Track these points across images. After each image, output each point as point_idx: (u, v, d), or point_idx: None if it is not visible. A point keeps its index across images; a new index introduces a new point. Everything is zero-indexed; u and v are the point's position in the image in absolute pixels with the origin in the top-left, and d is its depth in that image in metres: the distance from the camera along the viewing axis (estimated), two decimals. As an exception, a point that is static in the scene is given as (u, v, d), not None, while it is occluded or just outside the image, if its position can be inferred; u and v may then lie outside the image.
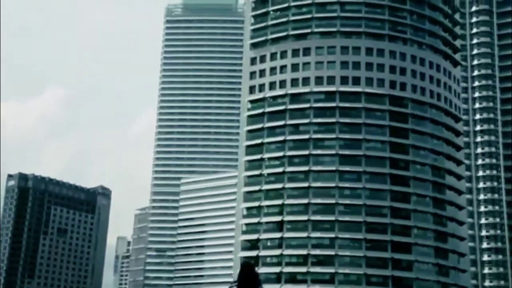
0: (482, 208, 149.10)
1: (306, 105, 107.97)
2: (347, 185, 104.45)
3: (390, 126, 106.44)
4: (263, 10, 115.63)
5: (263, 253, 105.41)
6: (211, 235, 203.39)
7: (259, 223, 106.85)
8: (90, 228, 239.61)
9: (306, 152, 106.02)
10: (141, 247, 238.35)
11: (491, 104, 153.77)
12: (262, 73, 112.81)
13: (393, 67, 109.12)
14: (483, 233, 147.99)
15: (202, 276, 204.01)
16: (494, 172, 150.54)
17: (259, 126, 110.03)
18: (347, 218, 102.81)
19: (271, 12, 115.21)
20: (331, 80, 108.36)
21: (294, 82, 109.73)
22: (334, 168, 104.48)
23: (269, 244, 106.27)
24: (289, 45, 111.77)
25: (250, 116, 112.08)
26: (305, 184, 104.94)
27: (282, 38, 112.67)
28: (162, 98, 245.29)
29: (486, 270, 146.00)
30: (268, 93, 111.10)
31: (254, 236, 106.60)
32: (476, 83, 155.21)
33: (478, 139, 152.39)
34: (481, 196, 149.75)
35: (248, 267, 14.75)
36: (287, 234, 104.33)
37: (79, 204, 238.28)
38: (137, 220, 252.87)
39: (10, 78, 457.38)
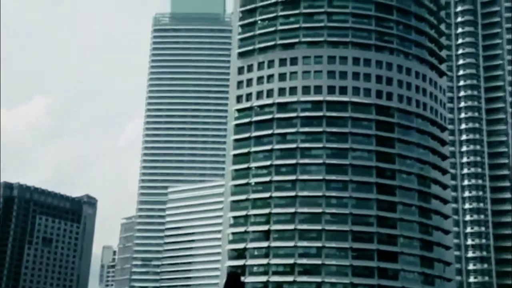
0: (468, 217, 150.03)
1: (293, 114, 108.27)
2: (333, 194, 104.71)
3: (377, 135, 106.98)
4: (251, 20, 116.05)
5: (250, 262, 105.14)
6: (198, 244, 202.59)
7: (246, 232, 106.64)
8: (76, 237, 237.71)
9: (293, 161, 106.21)
10: (127, 256, 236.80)
11: (476, 114, 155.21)
12: (249, 82, 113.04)
13: (380, 77, 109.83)
14: (469, 242, 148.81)
15: (189, 285, 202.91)
16: (480, 181, 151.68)
17: (246, 135, 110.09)
18: (333, 227, 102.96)
19: (259, 22, 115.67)
20: (318, 89, 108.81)
21: (281, 92, 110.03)
22: (321, 177, 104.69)
23: (256, 253, 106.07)
24: (276, 55, 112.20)
25: (237, 125, 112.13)
26: (292, 193, 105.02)
27: (270, 47, 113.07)
28: (149, 107, 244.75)
29: (471, 279, 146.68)
30: (255, 102, 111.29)
31: (241, 245, 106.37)
32: (462, 93, 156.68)
33: (464, 148, 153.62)
34: (467, 205, 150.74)
35: (234, 276, 14.76)
36: (274, 243, 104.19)
37: (64, 213, 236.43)
38: (123, 229, 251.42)
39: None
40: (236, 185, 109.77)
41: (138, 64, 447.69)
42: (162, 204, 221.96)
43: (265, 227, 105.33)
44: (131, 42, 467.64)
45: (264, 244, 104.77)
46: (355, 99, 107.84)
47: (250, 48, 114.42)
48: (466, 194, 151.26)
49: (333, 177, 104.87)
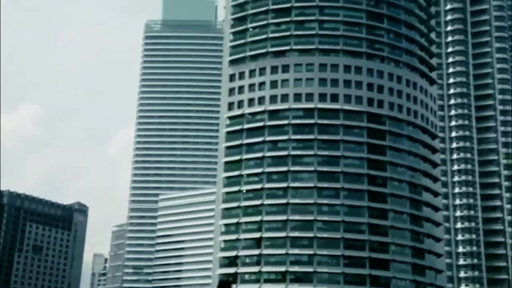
0: (459, 225, 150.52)
1: (284, 121, 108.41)
2: (325, 201, 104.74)
3: (368, 143, 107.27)
4: (242, 27, 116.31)
5: (241, 270, 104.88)
6: (189, 252, 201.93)
7: (237, 239, 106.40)
8: (66, 245, 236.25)
9: (284, 169, 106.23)
10: (118, 264, 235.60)
11: (466, 122, 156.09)
12: (241, 89, 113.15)
13: (371, 84, 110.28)
14: (460, 249, 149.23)
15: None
16: (470, 189, 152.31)
17: (238, 142, 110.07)
18: (325, 235, 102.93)
19: (250, 29, 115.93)
20: (309, 97, 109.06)
21: (273, 99, 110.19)
22: (312, 185, 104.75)
23: (247, 261, 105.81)
24: (268, 62, 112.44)
25: (228, 133, 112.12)
26: (284, 201, 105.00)
27: (261, 55, 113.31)
28: (140, 114, 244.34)
29: (463, 287, 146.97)
30: (247, 110, 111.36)
31: (232, 253, 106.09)
32: (452, 101, 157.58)
33: (454, 156, 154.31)
34: (458, 213, 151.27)
35: (226, 284, 14.77)
36: (266, 251, 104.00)
37: (55, 220, 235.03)
38: (114, 237, 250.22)
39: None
40: (227, 193, 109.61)
41: (129, 71, 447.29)
42: (153, 211, 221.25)
43: (256, 235, 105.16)
44: (122, 48, 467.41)
45: (256, 251, 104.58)
46: (346, 107, 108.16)
47: (242, 55, 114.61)
48: (457, 201, 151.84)
49: (325, 185, 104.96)
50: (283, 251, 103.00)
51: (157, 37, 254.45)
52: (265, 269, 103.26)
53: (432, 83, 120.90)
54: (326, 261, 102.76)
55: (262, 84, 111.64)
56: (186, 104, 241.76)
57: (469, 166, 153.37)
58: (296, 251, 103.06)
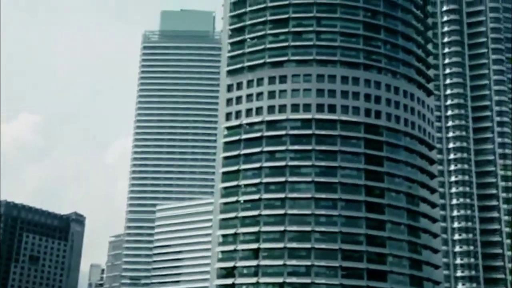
0: (456, 236, 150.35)
1: (282, 132, 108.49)
2: (323, 212, 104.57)
3: (365, 153, 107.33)
4: (240, 38, 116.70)
5: (239, 281, 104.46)
6: (187, 262, 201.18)
7: (235, 250, 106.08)
8: (63, 255, 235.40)
9: (282, 179, 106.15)
10: (115, 274, 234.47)
11: (464, 133, 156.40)
12: (238, 100, 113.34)
13: (368, 95, 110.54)
14: (458, 261, 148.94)
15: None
16: (468, 200, 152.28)
17: (236, 152, 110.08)
18: (323, 246, 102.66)
19: (248, 40, 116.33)
20: (307, 107, 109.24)
21: (271, 109, 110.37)
22: (310, 195, 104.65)
23: (245, 271, 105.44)
24: (265, 73, 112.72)
25: (226, 143, 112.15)
26: (281, 211, 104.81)
27: (259, 65, 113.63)
28: (138, 124, 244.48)
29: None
30: (245, 120, 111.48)
31: (230, 264, 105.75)
32: (449, 112, 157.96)
33: (452, 167, 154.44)
34: (455, 224, 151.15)
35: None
36: (263, 262, 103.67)
37: (52, 231, 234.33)
38: (111, 247, 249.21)
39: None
40: (225, 203, 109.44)
41: (127, 81, 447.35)
42: (150, 222, 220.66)
43: (254, 245, 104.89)
44: (120, 58, 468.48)
45: (253, 262, 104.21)
46: (344, 117, 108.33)
47: (239, 66, 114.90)
48: (455, 213, 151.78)
49: (322, 195, 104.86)
50: (280, 262, 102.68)
51: (155, 47, 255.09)
52: (263, 280, 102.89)
53: (429, 94, 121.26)
54: (324, 272, 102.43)
55: (260, 94, 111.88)
56: (184, 115, 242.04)
57: (466, 177, 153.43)
58: (294, 262, 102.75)
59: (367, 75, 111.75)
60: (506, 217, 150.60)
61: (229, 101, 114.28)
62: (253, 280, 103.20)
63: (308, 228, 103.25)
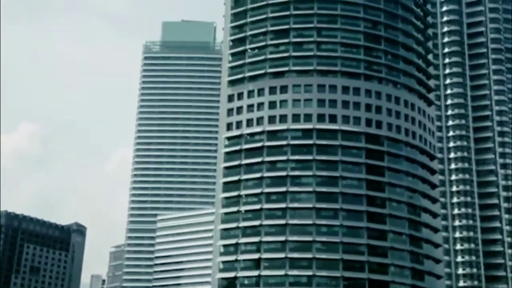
0: (458, 246, 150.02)
1: (283, 142, 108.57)
2: (324, 222, 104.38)
3: (367, 163, 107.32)
4: (241, 48, 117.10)
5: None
6: (188, 273, 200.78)
7: (236, 260, 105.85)
8: (64, 266, 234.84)
9: (283, 189, 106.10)
10: (116, 285, 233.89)
11: (465, 143, 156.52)
12: (239, 110, 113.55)
13: (369, 105, 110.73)
14: (460, 271, 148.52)
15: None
16: (470, 210, 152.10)
17: (236, 163, 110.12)
18: (324, 256, 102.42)
19: (249, 50, 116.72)
20: (308, 117, 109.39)
21: (271, 119, 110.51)
22: (311, 205, 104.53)
23: (246, 282, 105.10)
24: (266, 83, 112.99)
25: (227, 153, 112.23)
26: (282, 221, 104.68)
27: (260, 76, 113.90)
28: (139, 134, 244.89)
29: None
30: (246, 130, 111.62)
31: (231, 274, 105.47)
32: (450, 122, 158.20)
33: (453, 177, 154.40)
34: (457, 234, 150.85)
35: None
36: (265, 272, 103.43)
37: (52, 241, 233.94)
38: (112, 258, 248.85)
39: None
40: (226, 213, 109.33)
41: (128, 91, 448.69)
42: (151, 232, 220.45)
43: (255, 256, 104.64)
44: (121, 68, 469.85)
45: (255, 272, 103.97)
46: (345, 127, 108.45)
47: (240, 76, 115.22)
48: (457, 223, 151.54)
49: (323, 205, 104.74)
50: (282, 272, 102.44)
51: (156, 58, 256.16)
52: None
53: (430, 104, 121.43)
54: (325, 282, 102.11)
55: (260, 104, 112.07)
56: (185, 125, 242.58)
57: (468, 188, 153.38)
58: (295, 272, 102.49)
59: (368, 85, 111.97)
60: (508, 228, 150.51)
61: (230, 111, 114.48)
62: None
63: (309, 238, 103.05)
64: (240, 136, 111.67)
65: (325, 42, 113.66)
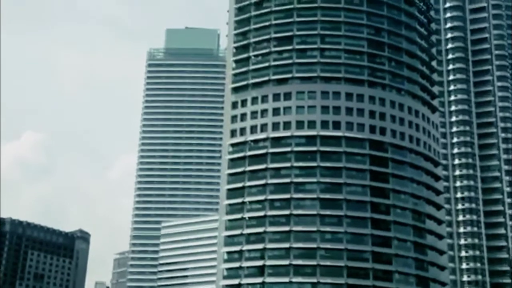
0: (463, 253, 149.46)
1: (287, 149, 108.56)
2: (328, 229, 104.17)
3: (371, 170, 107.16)
4: (245, 55, 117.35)
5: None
6: (192, 280, 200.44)
7: (240, 267, 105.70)
8: (68, 273, 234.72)
9: (287, 196, 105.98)
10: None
11: (469, 149, 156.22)
12: (243, 117, 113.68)
13: (373, 112, 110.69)
14: (465, 278, 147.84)
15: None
16: (474, 217, 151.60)
17: (240, 169, 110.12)
18: (328, 263, 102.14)
19: (253, 57, 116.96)
20: (311, 124, 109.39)
21: (275, 126, 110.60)
22: (315, 212, 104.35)
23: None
24: (270, 90, 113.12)
25: (231, 160, 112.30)
26: (287, 228, 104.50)
27: (263, 82, 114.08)
28: (143, 141, 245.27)
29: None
30: (250, 137, 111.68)
31: (235, 281, 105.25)
32: (454, 129, 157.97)
33: (458, 183, 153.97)
34: (462, 241, 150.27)
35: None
36: (269, 279, 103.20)
37: (56, 248, 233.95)
38: (116, 265, 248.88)
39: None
40: (230, 220, 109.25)
41: (132, 98, 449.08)
42: (155, 239, 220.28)
43: (259, 263, 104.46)
44: (125, 76, 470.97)
45: (259, 279, 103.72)
46: (348, 134, 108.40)
47: (244, 83, 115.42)
48: (461, 229, 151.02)
49: (328, 212, 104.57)
50: (286, 279, 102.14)
51: (159, 65, 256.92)
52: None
53: (434, 110, 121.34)
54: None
55: (264, 111, 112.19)
56: (189, 131, 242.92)
57: (472, 194, 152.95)
58: (300, 279, 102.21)
59: (372, 92, 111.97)
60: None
61: (233, 118, 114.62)
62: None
63: (313, 245, 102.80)
64: (244, 143, 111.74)
65: (328, 49, 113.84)
